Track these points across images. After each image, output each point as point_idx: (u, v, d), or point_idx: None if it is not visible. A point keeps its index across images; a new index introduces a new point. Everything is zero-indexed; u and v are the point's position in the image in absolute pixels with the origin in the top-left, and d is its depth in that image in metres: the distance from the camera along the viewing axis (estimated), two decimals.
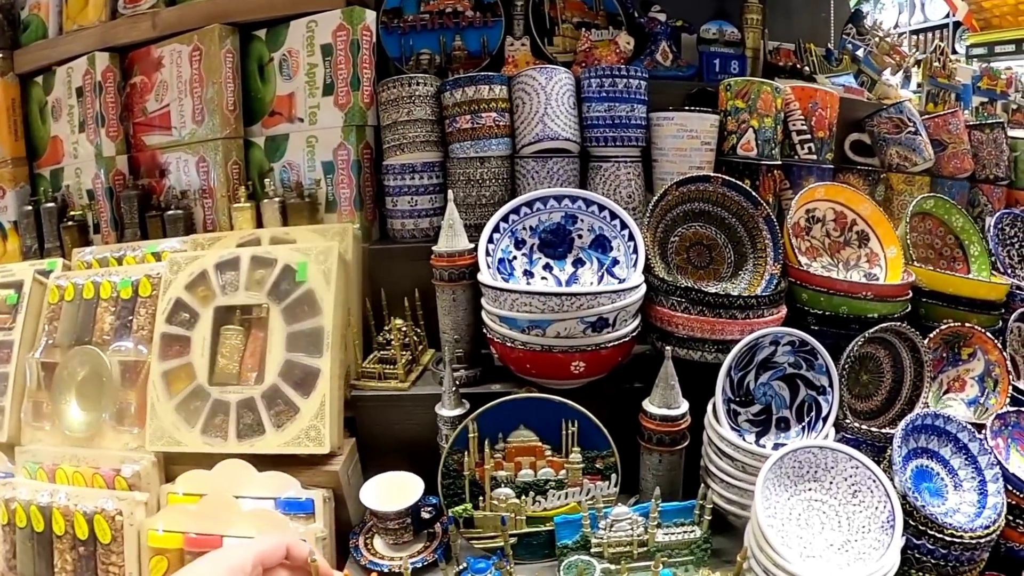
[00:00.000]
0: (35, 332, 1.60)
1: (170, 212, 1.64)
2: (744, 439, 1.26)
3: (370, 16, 1.56)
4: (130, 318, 1.51)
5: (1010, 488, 1.18)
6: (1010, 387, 1.42)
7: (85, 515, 1.34)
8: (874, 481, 1.11)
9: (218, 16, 1.60)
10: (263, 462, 1.33)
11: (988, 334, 1.46)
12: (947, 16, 5.94)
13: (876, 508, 1.10)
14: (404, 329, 1.47)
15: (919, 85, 2.11)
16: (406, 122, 1.52)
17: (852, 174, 1.78)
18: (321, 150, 1.59)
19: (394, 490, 1.28)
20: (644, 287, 1.32)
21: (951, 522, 1.11)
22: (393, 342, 1.41)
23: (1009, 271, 1.73)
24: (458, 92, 1.49)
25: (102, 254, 1.64)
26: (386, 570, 1.22)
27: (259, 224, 1.59)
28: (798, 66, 1.87)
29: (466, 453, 1.23)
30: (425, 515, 1.29)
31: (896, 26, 6.37)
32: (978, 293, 1.53)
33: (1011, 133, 1.96)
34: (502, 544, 1.20)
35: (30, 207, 1.81)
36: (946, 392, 1.51)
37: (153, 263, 1.56)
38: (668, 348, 1.25)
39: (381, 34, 1.66)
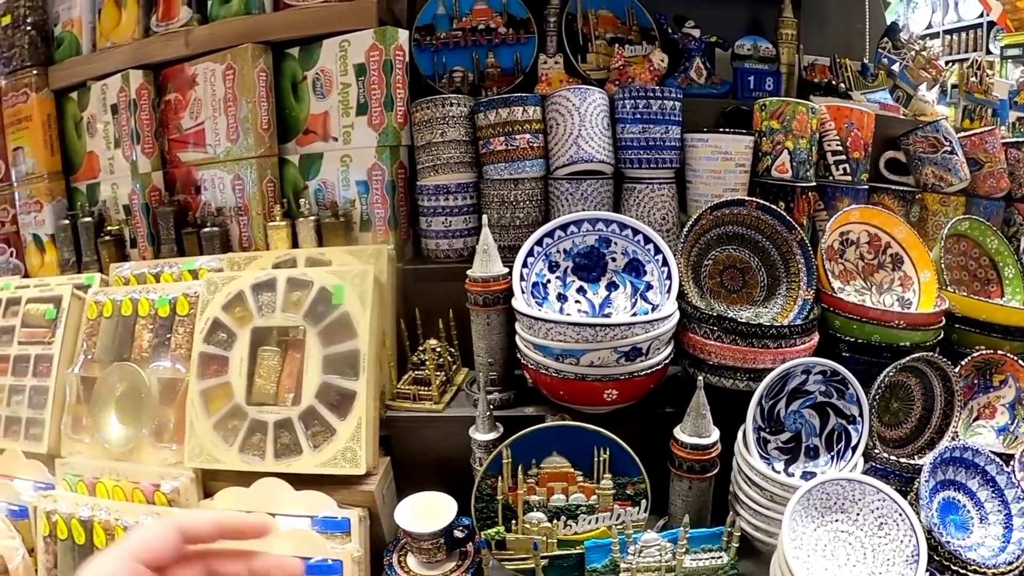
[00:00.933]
0: (74, 347, 1.66)
1: (206, 229, 1.69)
2: (773, 467, 1.29)
3: (403, 36, 1.60)
4: (168, 336, 1.56)
5: None
6: None
7: (126, 530, 1.38)
8: (900, 515, 1.13)
9: (250, 35, 1.64)
10: (300, 481, 1.38)
11: (1021, 362, 1.46)
12: (981, 16, 5.84)
13: (902, 542, 1.12)
14: (439, 350, 1.51)
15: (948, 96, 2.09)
16: (440, 143, 1.55)
17: (887, 195, 1.79)
18: (356, 169, 1.63)
19: (428, 510, 1.34)
20: (677, 315, 1.35)
21: (974, 557, 1.14)
22: (427, 363, 1.45)
23: None
24: (492, 113, 1.53)
25: (139, 270, 1.70)
26: None
27: (294, 242, 1.63)
28: (833, 82, 1.88)
29: (500, 478, 1.27)
30: (458, 535, 1.34)
31: (929, 26, 6.29)
32: (1011, 320, 1.52)
33: None
34: (533, 566, 1.24)
35: (67, 221, 1.87)
36: (976, 419, 1.52)
37: (190, 281, 1.61)
38: (700, 378, 1.28)
39: (414, 51, 1.69)
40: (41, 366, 1.66)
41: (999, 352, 1.46)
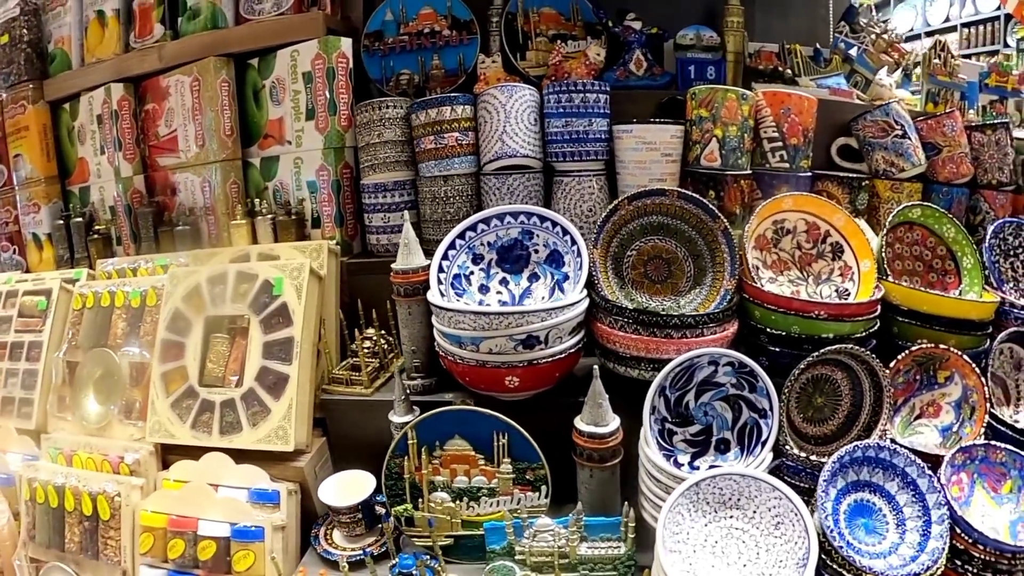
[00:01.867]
0: (62, 334, 1.82)
1: (179, 228, 1.83)
2: (677, 460, 1.29)
3: (345, 44, 1.68)
4: (139, 324, 1.70)
5: (958, 531, 1.13)
6: (986, 416, 1.35)
7: (90, 495, 1.52)
8: (796, 515, 1.08)
9: (215, 47, 1.76)
10: (243, 456, 1.49)
11: (966, 357, 1.37)
12: (998, 9, 5.56)
13: (795, 543, 1.07)
14: (375, 338, 1.60)
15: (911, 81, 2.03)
16: (378, 144, 1.64)
17: (832, 182, 1.74)
18: (306, 170, 1.73)
19: (351, 486, 1.41)
20: (581, 305, 1.38)
21: (880, 566, 1.08)
22: (360, 351, 1.54)
23: (1012, 284, 1.66)
24: (423, 114, 1.60)
25: (120, 265, 1.85)
26: (334, 559, 1.35)
27: (254, 239, 1.75)
28: (780, 68, 1.85)
29: (406, 458, 1.34)
30: (380, 510, 1.42)
31: (947, 20, 6.05)
32: (958, 312, 1.45)
33: (1017, 134, 1.85)
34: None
35: (61, 221, 2.04)
36: (918, 417, 1.45)
37: (160, 275, 1.75)
38: (596, 366, 1.30)
39: (363, 56, 1.77)
40: (33, 352, 1.83)
41: (942, 346, 1.39)
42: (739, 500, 1.15)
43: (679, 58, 1.81)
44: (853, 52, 1.90)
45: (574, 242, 1.47)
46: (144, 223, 1.88)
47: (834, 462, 1.17)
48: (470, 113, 1.61)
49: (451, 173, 1.61)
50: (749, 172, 1.65)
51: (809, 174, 1.72)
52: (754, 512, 1.13)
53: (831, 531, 1.08)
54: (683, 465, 1.31)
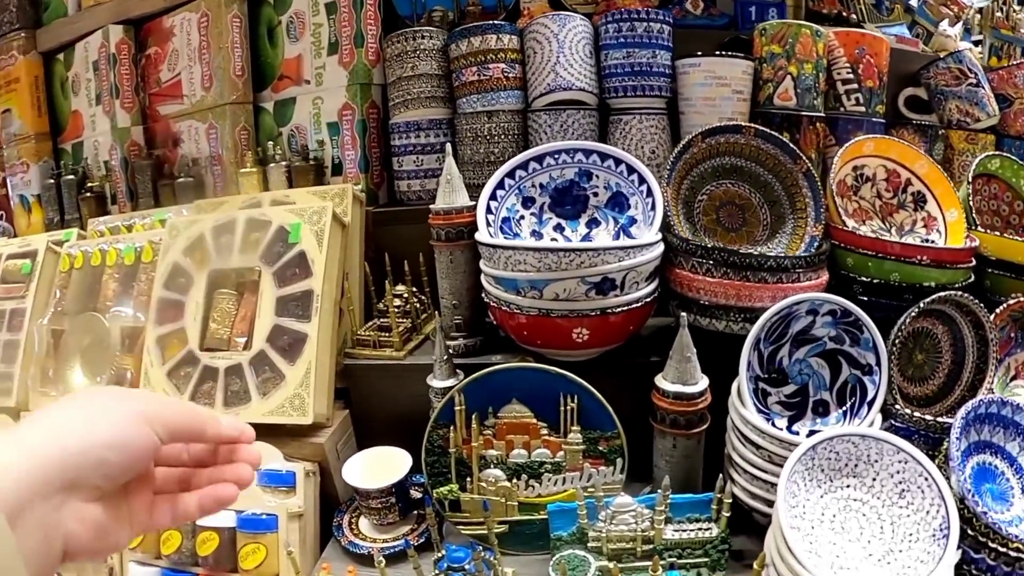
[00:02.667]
0: (47, 300, 1.49)
1: (180, 180, 1.51)
2: (773, 424, 1.03)
3: None
4: (132, 284, 1.37)
5: None
6: None
7: None
8: (926, 479, 0.86)
9: None
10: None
11: None
12: None
13: (927, 512, 0.85)
14: (405, 295, 1.28)
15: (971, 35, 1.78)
16: (411, 78, 1.35)
17: (907, 130, 1.50)
18: (327, 111, 1.44)
19: (381, 466, 1.12)
20: (660, 246, 1.10)
21: (1017, 533, 0.84)
22: (389, 308, 1.22)
23: None
24: (464, 43, 1.31)
25: (114, 223, 1.53)
26: (364, 552, 1.05)
27: (266, 189, 1.44)
28: (844, 13, 1.59)
29: (452, 428, 1.04)
30: (415, 494, 1.12)
31: None
32: None
33: None
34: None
35: (52, 180, 1.71)
36: (1014, 379, 1.22)
37: (158, 230, 1.42)
38: (684, 315, 1.03)
39: None
40: (15, 320, 1.50)
41: None
42: (856, 466, 0.92)
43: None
44: (913, 3, 1.64)
45: (643, 181, 1.18)
46: (142, 178, 1.57)
47: (962, 418, 0.92)
48: (517, 44, 1.34)
49: (496, 108, 1.32)
50: (823, 115, 1.39)
51: (883, 121, 1.47)
52: (873, 480, 0.91)
53: (971, 496, 0.85)
54: (781, 430, 1.03)
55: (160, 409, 0.53)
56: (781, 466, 0.93)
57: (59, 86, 1.81)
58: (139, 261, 1.38)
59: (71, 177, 1.69)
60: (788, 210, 1.25)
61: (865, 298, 1.13)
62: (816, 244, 1.19)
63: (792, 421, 1.08)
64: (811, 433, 1.03)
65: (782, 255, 1.09)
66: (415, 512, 1.13)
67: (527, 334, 1.09)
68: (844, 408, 1.07)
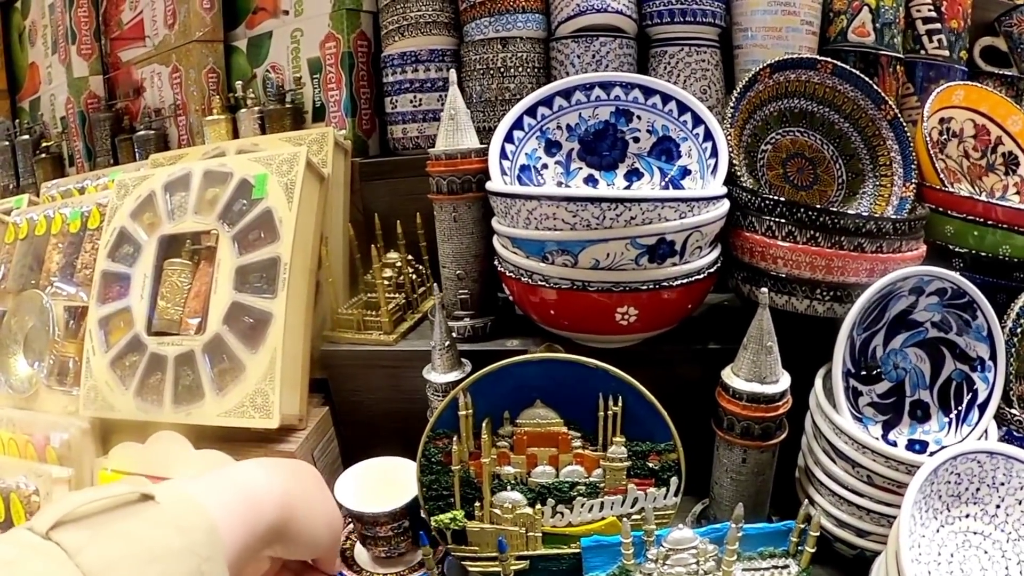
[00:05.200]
0: None
1: (139, 133, 1.16)
2: (868, 432, 0.71)
3: None
4: (76, 256, 1.02)
5: None
6: None
7: (1, 493, 0.87)
8: None
9: None
10: (205, 435, 0.83)
11: None
12: None
13: None
14: (399, 265, 0.93)
15: None
16: None
17: (992, 81, 1.15)
18: (307, 45, 1.08)
19: (383, 481, 0.79)
20: (725, 203, 0.75)
21: None
22: (379, 281, 0.86)
23: None
24: None
25: (67, 186, 1.18)
26: None
27: (235, 138, 1.08)
28: None
29: (456, 438, 0.68)
30: (425, 515, 0.77)
31: None
32: None
33: None
34: (501, 572, 0.66)
35: (7, 142, 1.35)
36: None
37: (108, 191, 1.07)
38: (764, 291, 0.68)
39: None
40: None
41: None
42: (978, 490, 0.64)
43: None
44: None
45: (698, 122, 0.83)
46: (100, 133, 1.23)
47: None
48: None
49: (512, 35, 0.96)
50: (902, 57, 1.03)
51: (966, 69, 1.13)
52: (997, 507, 0.64)
53: None
54: (878, 439, 0.71)
55: (340, 528, 0.55)
56: (882, 488, 0.66)
57: (16, 38, 1.46)
58: (85, 228, 1.03)
59: (26, 137, 1.34)
60: (868, 165, 0.90)
61: (964, 275, 0.78)
62: (907, 207, 0.84)
63: (887, 428, 0.75)
64: (911, 444, 0.74)
65: (883, 217, 0.73)
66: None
67: (554, 313, 0.74)
68: (949, 412, 0.75)
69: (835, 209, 0.80)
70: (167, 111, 1.17)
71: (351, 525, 0.80)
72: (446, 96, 0.96)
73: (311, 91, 1.06)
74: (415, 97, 0.99)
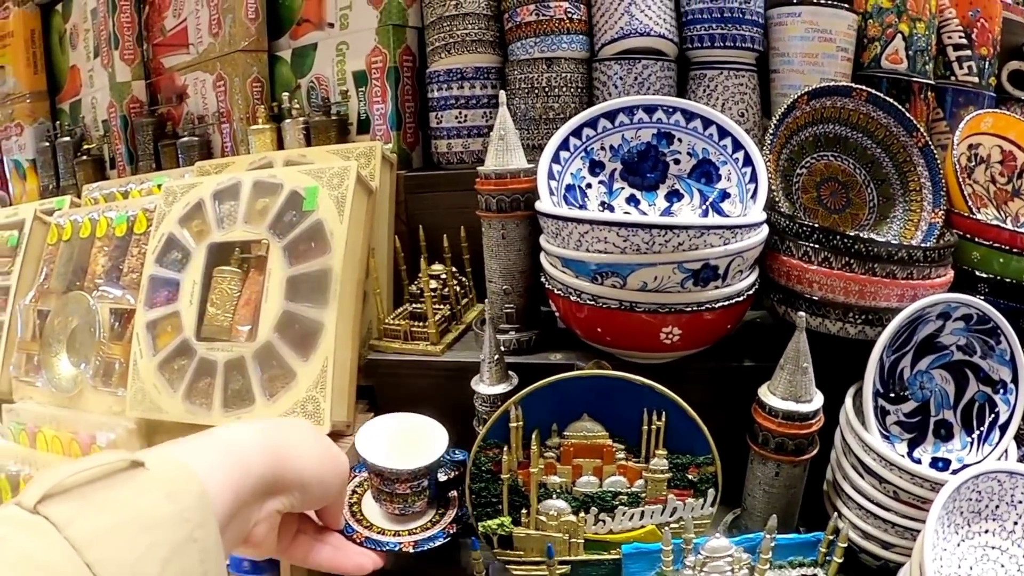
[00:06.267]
0: (34, 277, 1.21)
1: (184, 139, 1.22)
2: (894, 449, 0.78)
3: None
4: (122, 259, 1.08)
5: None
6: None
7: None
8: None
9: None
10: None
11: None
12: None
13: None
14: (443, 277, 0.99)
15: None
16: (454, 17, 1.05)
17: (1018, 105, 1.21)
18: (353, 58, 1.14)
19: (405, 439, 0.82)
20: (765, 228, 0.82)
21: None
22: (426, 292, 0.92)
23: None
24: None
25: (109, 189, 1.24)
26: (389, 548, 0.75)
27: (280, 148, 1.14)
28: None
29: (506, 449, 0.74)
30: (442, 477, 0.83)
31: None
32: None
33: None
34: None
35: (47, 144, 1.42)
36: None
37: (155, 196, 1.13)
38: (801, 315, 0.74)
39: None
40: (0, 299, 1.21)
41: None
42: (997, 507, 0.70)
43: None
44: None
45: (738, 147, 0.89)
46: (142, 138, 1.28)
47: None
48: None
49: (557, 55, 1.02)
50: (933, 83, 1.10)
51: (995, 95, 1.20)
52: (1015, 524, 0.70)
53: None
54: (904, 457, 0.78)
55: (347, 469, 0.58)
56: (907, 503, 0.72)
57: (57, 40, 1.52)
58: (131, 232, 1.09)
59: (67, 139, 1.40)
60: (899, 190, 0.97)
61: (988, 300, 0.83)
62: (936, 233, 0.91)
63: (912, 445, 0.82)
64: (934, 461, 0.80)
65: (914, 246, 0.79)
66: (448, 497, 0.84)
67: (600, 331, 0.80)
68: (971, 432, 0.81)
69: (868, 236, 0.85)
70: (210, 118, 1.23)
71: (358, 479, 0.84)
72: (490, 113, 1.03)
73: (356, 104, 1.12)
74: (460, 113, 1.06)
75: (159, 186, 1.16)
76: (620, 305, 0.76)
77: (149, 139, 1.27)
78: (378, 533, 0.77)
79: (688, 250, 0.72)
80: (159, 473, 0.39)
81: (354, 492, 0.83)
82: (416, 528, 0.79)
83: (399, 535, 0.77)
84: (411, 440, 0.81)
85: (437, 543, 0.76)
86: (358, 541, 0.74)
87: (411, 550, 0.74)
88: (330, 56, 1.15)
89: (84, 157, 1.37)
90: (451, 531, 0.78)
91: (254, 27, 1.17)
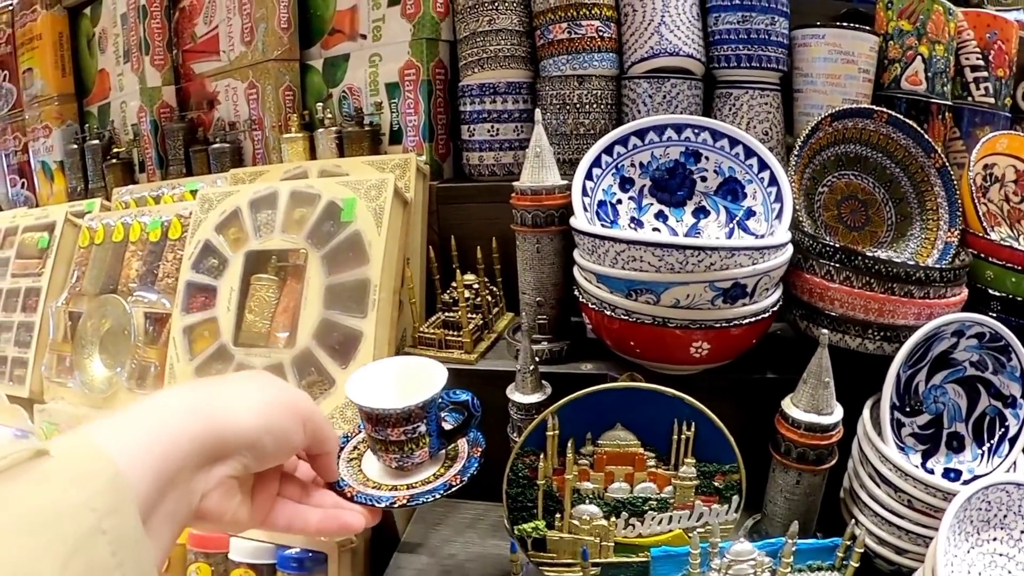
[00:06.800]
0: (65, 278, 1.25)
1: (215, 146, 1.27)
2: (909, 460, 0.82)
3: None
4: (157, 264, 1.13)
5: None
6: None
7: None
8: None
9: None
10: None
11: None
12: None
13: None
14: (476, 286, 1.04)
15: None
16: (487, 33, 1.10)
17: None
18: (385, 70, 1.19)
19: (400, 381, 0.74)
20: (789, 248, 0.87)
21: None
22: (460, 302, 0.97)
23: None
24: None
25: (140, 193, 1.28)
26: (389, 503, 0.65)
27: (312, 157, 1.19)
28: None
29: (543, 456, 0.80)
30: (447, 424, 0.75)
31: None
32: None
33: None
34: None
35: (75, 146, 1.46)
36: None
37: (188, 202, 1.18)
38: (824, 333, 0.79)
39: None
40: (30, 300, 1.28)
41: None
42: (1005, 517, 0.74)
43: None
44: None
45: (763, 167, 0.94)
46: (173, 143, 1.33)
47: None
48: (612, 0, 1.06)
49: (589, 73, 1.07)
50: (951, 104, 1.16)
51: (1010, 115, 1.24)
52: (1022, 532, 0.74)
53: None
54: (918, 468, 0.83)
55: (311, 410, 0.54)
56: (921, 512, 0.77)
57: (85, 43, 1.56)
58: (165, 238, 1.14)
59: (96, 142, 1.45)
60: (916, 209, 1.02)
61: (1000, 317, 0.91)
62: (951, 251, 0.96)
63: (925, 456, 0.87)
64: (946, 472, 0.86)
65: (931, 267, 0.85)
66: (451, 446, 0.76)
67: (632, 344, 0.85)
68: (982, 444, 0.86)
69: (888, 257, 0.91)
70: (242, 125, 1.28)
71: (362, 434, 0.76)
72: (522, 127, 1.08)
73: (388, 115, 1.17)
74: (492, 127, 1.11)
75: (192, 192, 1.21)
76: (653, 320, 0.81)
77: (180, 144, 1.32)
78: (373, 488, 0.68)
79: (719, 270, 0.77)
80: (65, 460, 0.36)
81: (355, 449, 0.75)
82: (416, 483, 0.69)
83: (396, 490, 0.68)
84: (409, 383, 0.72)
85: (437, 496, 0.67)
86: (349, 496, 0.64)
87: (405, 503, 0.66)
88: (362, 67, 1.20)
89: (113, 160, 1.42)
90: (454, 484, 0.68)
91: (287, 36, 1.22)
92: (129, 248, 1.18)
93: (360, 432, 0.76)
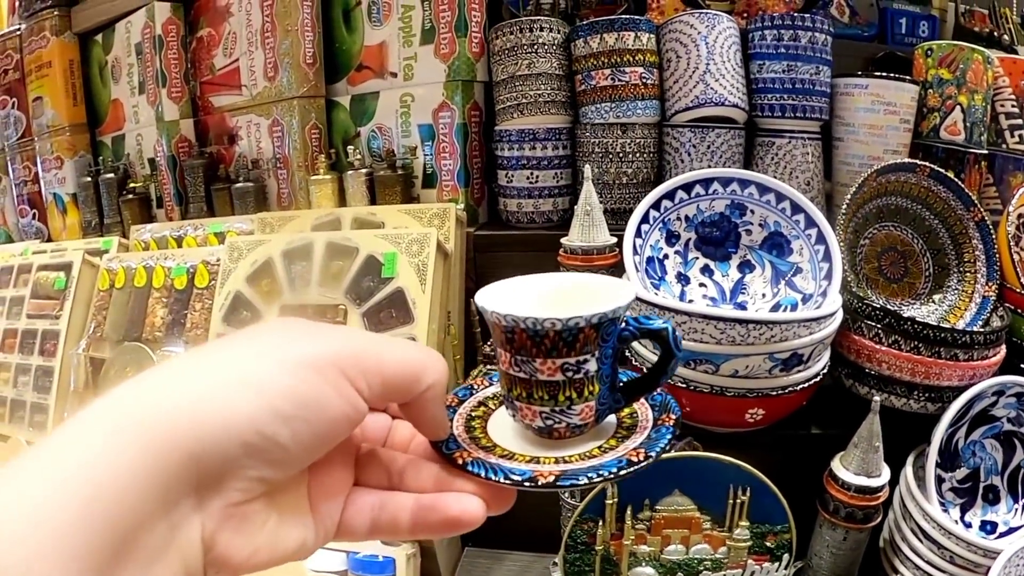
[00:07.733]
0: (84, 322, 1.27)
1: (238, 185, 1.28)
2: (948, 514, 0.89)
3: None
4: (184, 313, 1.15)
5: None
6: None
7: None
8: None
9: None
10: None
11: None
12: None
13: None
14: None
15: None
16: (526, 77, 1.12)
17: None
18: (418, 111, 1.21)
19: (556, 296, 0.48)
20: (842, 311, 0.91)
21: None
22: None
23: None
24: (594, 40, 1.09)
25: (161, 232, 1.29)
26: (526, 478, 0.38)
27: (342, 200, 1.21)
28: (995, 33, 1.38)
29: (601, 523, 0.84)
30: (625, 376, 0.47)
31: None
32: None
33: None
34: None
35: (89, 178, 1.47)
36: None
37: (214, 247, 1.20)
38: (877, 399, 0.85)
39: None
40: (48, 344, 1.29)
41: None
42: None
43: (886, 8, 1.34)
44: None
45: (811, 224, 0.98)
46: (192, 179, 1.33)
47: None
48: (655, 45, 1.12)
49: (632, 121, 1.10)
50: (986, 152, 1.21)
51: None
52: None
53: None
54: (958, 523, 0.90)
55: (363, 352, 0.34)
56: (963, 567, 0.83)
57: (97, 71, 1.56)
58: (192, 285, 1.16)
59: (111, 176, 1.45)
60: (954, 261, 1.07)
61: None
62: (988, 305, 1.01)
63: (964, 510, 0.93)
64: (984, 524, 0.92)
65: (977, 331, 0.90)
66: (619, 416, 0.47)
67: (689, 410, 0.89)
68: (1018, 499, 0.93)
69: (930, 316, 0.96)
70: (265, 163, 1.29)
71: (493, 387, 0.52)
72: (561, 173, 1.12)
73: (422, 157, 1.19)
74: (532, 174, 1.14)
75: (216, 234, 1.23)
76: (711, 389, 0.85)
77: (200, 181, 1.32)
78: (502, 457, 0.42)
79: (779, 341, 0.81)
80: None
81: (481, 406, 0.49)
82: (573, 456, 0.42)
83: (540, 464, 0.41)
84: (573, 299, 0.46)
85: (607, 475, 0.38)
86: (461, 464, 0.39)
87: (552, 484, 0.37)
88: (393, 107, 1.22)
89: (130, 196, 1.42)
90: (635, 461, 0.39)
91: (312, 72, 1.23)
92: (153, 294, 1.19)
93: (489, 384, 0.52)
